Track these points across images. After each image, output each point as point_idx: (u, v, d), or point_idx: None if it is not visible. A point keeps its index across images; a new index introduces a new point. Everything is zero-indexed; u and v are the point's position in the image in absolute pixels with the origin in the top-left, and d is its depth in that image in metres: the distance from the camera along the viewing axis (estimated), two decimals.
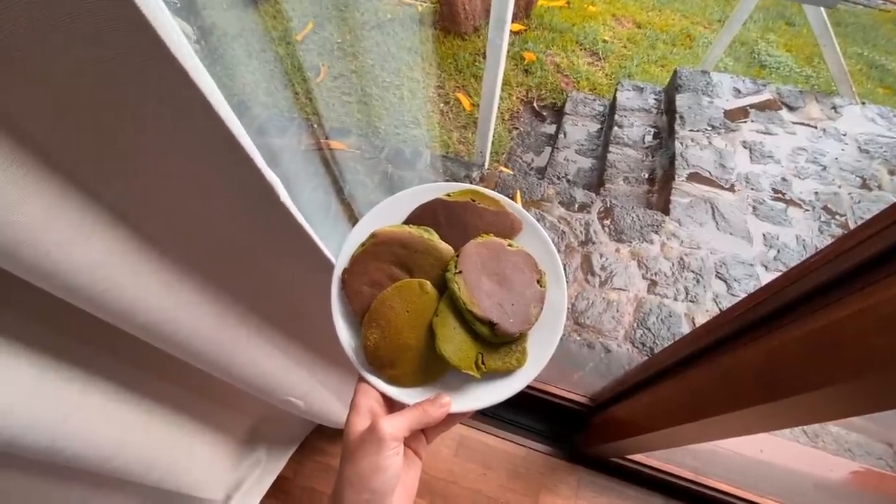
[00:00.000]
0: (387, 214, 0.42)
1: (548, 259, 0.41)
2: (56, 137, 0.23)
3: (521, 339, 0.39)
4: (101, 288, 0.29)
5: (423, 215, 0.41)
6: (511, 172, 2.38)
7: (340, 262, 0.40)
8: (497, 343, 0.38)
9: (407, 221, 0.42)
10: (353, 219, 1.58)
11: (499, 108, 1.95)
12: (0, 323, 0.31)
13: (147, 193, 0.29)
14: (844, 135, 2.13)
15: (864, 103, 2.28)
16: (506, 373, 0.38)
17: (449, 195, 0.42)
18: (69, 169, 0.25)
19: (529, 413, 1.11)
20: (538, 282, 0.40)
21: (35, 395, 0.34)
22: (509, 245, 0.40)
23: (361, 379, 0.38)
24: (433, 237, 0.40)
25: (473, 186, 0.42)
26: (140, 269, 0.31)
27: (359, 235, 0.40)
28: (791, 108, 2.24)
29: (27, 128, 0.22)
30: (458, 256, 0.39)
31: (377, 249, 0.39)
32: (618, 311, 1.47)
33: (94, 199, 0.26)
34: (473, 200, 0.42)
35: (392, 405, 0.38)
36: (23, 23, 0.19)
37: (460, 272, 0.38)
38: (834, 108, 2.25)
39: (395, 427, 0.34)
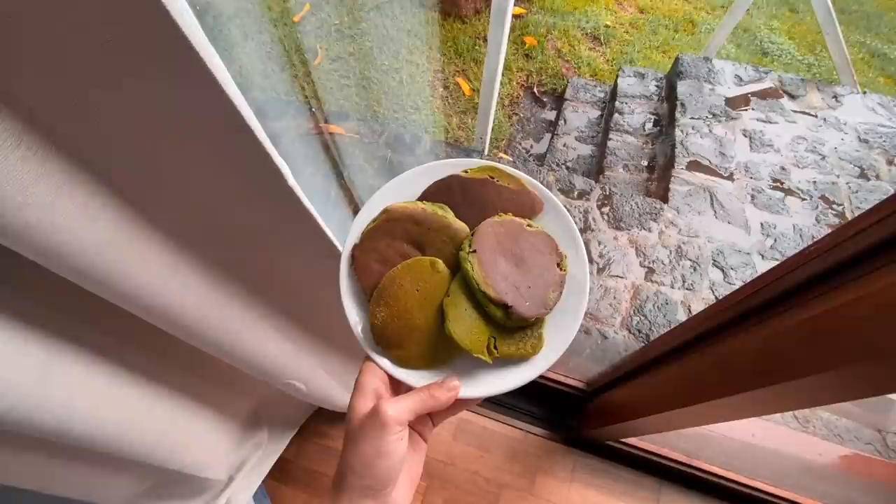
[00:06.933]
0: (401, 190, 0.40)
1: (570, 242, 0.39)
2: (64, 119, 0.23)
3: (538, 325, 0.37)
4: (108, 270, 0.29)
5: (439, 192, 0.40)
6: (510, 159, 2.37)
7: (351, 236, 0.38)
8: (511, 328, 0.36)
9: (422, 198, 0.40)
10: (353, 204, 1.58)
11: (499, 93, 1.93)
12: (9, 305, 0.31)
13: (154, 175, 0.29)
14: (844, 124, 2.12)
15: (864, 92, 2.27)
16: (519, 359, 0.36)
17: (467, 171, 0.40)
18: (77, 149, 0.25)
19: (527, 397, 1.13)
20: (558, 265, 0.38)
21: (43, 377, 0.34)
22: (528, 225, 0.38)
23: (367, 358, 0.37)
24: (448, 214, 0.38)
25: (492, 163, 0.40)
26: (146, 252, 0.31)
27: (372, 210, 0.39)
28: (792, 97, 2.23)
29: (35, 109, 0.22)
30: (472, 235, 0.37)
31: (389, 226, 0.38)
32: (615, 298, 1.48)
33: (101, 180, 0.26)
34: (492, 177, 0.40)
35: (398, 387, 0.37)
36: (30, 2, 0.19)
37: (474, 251, 0.36)
38: (835, 96, 2.24)
39: (398, 410, 0.32)
